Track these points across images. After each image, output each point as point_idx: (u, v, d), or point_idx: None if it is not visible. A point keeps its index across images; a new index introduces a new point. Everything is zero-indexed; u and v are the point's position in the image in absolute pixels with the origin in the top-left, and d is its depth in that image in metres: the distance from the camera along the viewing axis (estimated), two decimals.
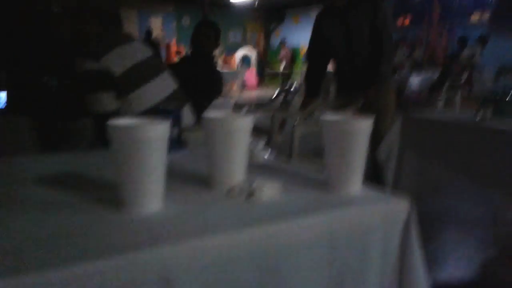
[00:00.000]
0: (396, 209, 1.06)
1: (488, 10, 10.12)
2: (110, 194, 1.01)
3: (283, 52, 14.95)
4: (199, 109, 2.45)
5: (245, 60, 14.77)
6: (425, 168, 2.78)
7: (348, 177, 1.10)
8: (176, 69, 2.34)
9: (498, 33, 9.72)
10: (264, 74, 16.13)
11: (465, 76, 8.54)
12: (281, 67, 15.00)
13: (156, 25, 14.31)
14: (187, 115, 1.92)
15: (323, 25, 2.91)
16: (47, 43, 2.53)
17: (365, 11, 2.73)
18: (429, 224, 2.94)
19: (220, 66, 13.99)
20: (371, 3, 2.73)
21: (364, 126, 1.09)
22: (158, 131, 0.94)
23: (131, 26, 13.67)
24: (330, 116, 1.16)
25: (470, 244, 2.75)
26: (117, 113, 1.70)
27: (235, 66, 14.14)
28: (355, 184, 1.11)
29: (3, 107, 2.28)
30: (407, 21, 11.73)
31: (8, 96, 2.30)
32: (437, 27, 10.98)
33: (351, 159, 1.10)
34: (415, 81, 9.31)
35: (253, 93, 13.43)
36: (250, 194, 1.05)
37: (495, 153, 2.34)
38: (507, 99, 2.69)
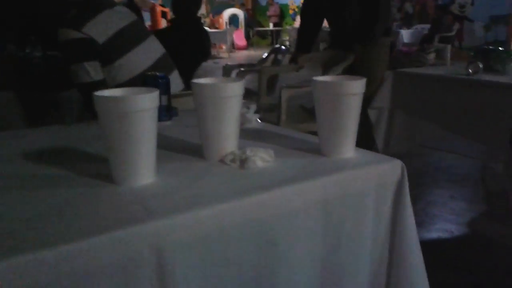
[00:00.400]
0: (389, 171, 1.06)
1: None
2: (101, 167, 1.00)
3: (271, 9, 14.65)
4: (188, 73, 2.42)
5: (233, 19, 14.47)
6: (415, 126, 2.79)
7: (341, 141, 1.09)
8: (163, 35, 2.28)
9: None
10: (253, 33, 15.85)
11: (456, 28, 8.45)
12: (271, 25, 14.73)
13: None
14: (176, 80, 1.89)
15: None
16: (28, 13, 2.44)
17: None
18: (419, 182, 2.98)
19: (207, 26, 13.73)
20: None
21: (357, 87, 1.07)
22: (147, 101, 0.91)
23: None
24: (321, 77, 1.14)
25: (459, 201, 2.80)
26: (103, 82, 1.67)
27: (223, 26, 13.86)
28: (348, 148, 1.11)
29: None
30: None
31: None
32: None
33: (344, 123, 1.08)
34: (406, 34, 9.22)
35: (243, 54, 13.25)
36: (244, 162, 1.04)
37: (485, 107, 2.34)
38: (498, 49, 2.67)
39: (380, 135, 2.84)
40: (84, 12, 1.68)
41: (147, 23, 11.57)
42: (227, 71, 2.94)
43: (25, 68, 2.28)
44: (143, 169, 0.94)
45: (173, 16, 3.04)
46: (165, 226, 0.79)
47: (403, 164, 1.07)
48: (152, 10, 11.76)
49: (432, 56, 6.88)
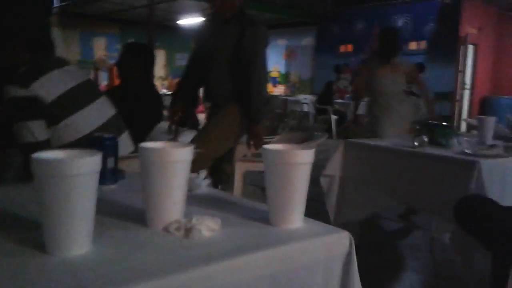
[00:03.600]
0: (337, 243, 1.05)
1: (424, 39, 10.71)
2: (35, 234, 0.92)
3: None
4: (141, 135, 2.37)
5: None
6: (366, 195, 2.83)
7: (289, 211, 1.08)
8: (115, 94, 2.26)
9: (433, 62, 10.29)
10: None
11: None
12: None
13: (100, 46, 13.99)
14: (126, 143, 1.85)
15: (199, 32, 2.96)
16: None
17: (233, 29, 2.65)
18: (370, 252, 2.99)
19: (166, 88, 13.84)
20: (240, 23, 2.65)
21: (306, 157, 1.07)
22: (86, 166, 0.86)
23: (73, 47, 13.29)
24: (271, 145, 1.14)
25: (409, 272, 2.81)
26: (47, 143, 1.60)
27: None
28: (297, 218, 1.09)
29: None
30: (349, 48, 12.18)
31: None
32: None
33: (292, 192, 1.07)
34: (360, 106, 9.61)
35: (201, 116, 13.35)
36: (188, 231, 0.99)
37: (430, 179, 2.42)
38: (441, 125, 2.81)
39: (332, 204, 2.86)
40: (33, 70, 1.64)
41: (104, 82, 11.56)
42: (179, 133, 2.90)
43: None
44: (78, 238, 0.88)
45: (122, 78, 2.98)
46: None
47: (351, 235, 1.06)
48: (110, 70, 11.79)
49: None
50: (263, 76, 2.68)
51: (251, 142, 2.69)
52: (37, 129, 1.58)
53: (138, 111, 2.64)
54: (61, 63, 1.78)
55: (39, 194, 0.86)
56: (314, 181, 2.66)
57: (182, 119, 2.89)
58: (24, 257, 0.86)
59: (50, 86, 1.62)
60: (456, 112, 10.46)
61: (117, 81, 3.06)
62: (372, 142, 2.94)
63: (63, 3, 11.75)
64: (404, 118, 3.88)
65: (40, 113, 1.58)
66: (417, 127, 2.86)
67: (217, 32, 2.70)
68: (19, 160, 1.93)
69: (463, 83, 10.55)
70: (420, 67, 9.65)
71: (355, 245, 1.06)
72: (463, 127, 9.42)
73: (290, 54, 14.49)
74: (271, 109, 2.79)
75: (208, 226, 1.01)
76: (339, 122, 9.05)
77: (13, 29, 1.70)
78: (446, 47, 10.25)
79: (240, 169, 2.65)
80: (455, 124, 9.67)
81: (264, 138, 2.72)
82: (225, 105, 2.71)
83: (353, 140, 2.96)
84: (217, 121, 2.72)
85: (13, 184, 1.49)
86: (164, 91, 11.69)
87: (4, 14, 1.77)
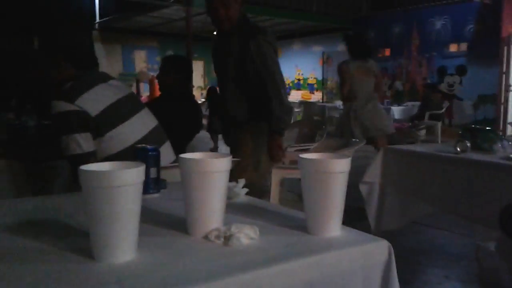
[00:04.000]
0: (375, 252, 1.04)
1: (465, 41, 10.41)
2: (82, 242, 0.97)
3: None
4: (181, 145, 2.44)
5: None
6: (407, 203, 2.78)
7: (327, 219, 1.08)
8: (156, 105, 2.33)
9: (475, 64, 9.98)
10: None
11: (445, 106, 8.70)
12: None
13: (140, 59, 14.40)
14: (167, 153, 1.90)
15: (213, 47, 2.73)
16: (24, 84, 2.51)
17: (235, 44, 2.43)
18: (413, 261, 2.92)
19: (204, 98, 14.05)
20: (242, 35, 2.41)
21: (343, 165, 1.08)
22: (131, 177, 0.91)
23: (115, 60, 13.74)
24: (307, 154, 1.15)
25: (454, 280, 2.73)
26: (93, 154, 1.68)
27: None
28: (335, 226, 1.09)
29: None
30: (387, 52, 12.00)
31: None
32: (416, 58, 11.24)
33: (330, 201, 1.08)
34: (397, 110, 9.46)
35: None
36: (228, 238, 1.02)
37: (473, 185, 2.36)
38: (485, 129, 2.73)
39: (372, 211, 2.83)
40: (78, 85, 1.73)
41: (145, 93, 11.87)
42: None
43: (19, 137, 2.30)
44: (124, 246, 0.92)
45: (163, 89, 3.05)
46: None
47: (390, 244, 1.06)
48: (151, 82, 12.13)
49: (423, 132, 7.02)
50: (282, 88, 2.44)
51: (271, 154, 2.46)
52: (84, 141, 1.66)
53: (178, 122, 2.71)
54: (105, 77, 1.86)
55: (87, 204, 0.91)
56: (355, 188, 2.65)
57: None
58: (73, 263, 0.91)
59: (95, 100, 1.70)
60: (502, 115, 10.09)
61: (158, 93, 3.13)
62: (413, 148, 2.89)
63: (104, 19, 12.17)
64: (372, 119, 4.45)
65: (86, 126, 1.66)
66: (459, 131, 2.79)
67: (221, 48, 2.56)
68: (67, 171, 2.02)
69: (508, 85, 10.18)
70: (462, 70, 9.42)
71: (395, 253, 1.06)
72: (509, 130, 9.08)
73: (326, 60, 14.42)
74: (290, 118, 2.55)
75: (246, 234, 1.03)
76: None
77: (58, 47, 1.79)
78: (488, 49, 9.93)
79: (276, 176, 2.65)
80: (500, 127, 9.32)
81: (284, 150, 2.51)
82: (247, 127, 2.50)
83: (393, 146, 2.92)
84: (245, 147, 2.48)
85: (62, 194, 1.56)
86: (203, 100, 11.89)
87: (49, 32, 1.87)
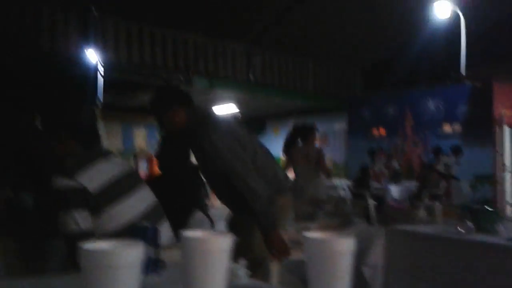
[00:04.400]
0: None
1: (458, 121, 10.68)
2: None
3: None
4: (180, 225, 2.38)
5: None
6: (412, 286, 2.68)
7: None
8: (155, 183, 2.32)
9: (470, 144, 10.16)
10: None
11: (443, 186, 8.71)
12: None
13: (140, 136, 14.61)
14: (166, 232, 1.86)
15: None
16: (24, 160, 2.52)
17: (196, 142, 2.26)
18: None
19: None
20: (190, 132, 2.25)
21: (348, 245, 1.05)
22: (131, 256, 0.88)
23: (115, 137, 13.93)
24: (310, 233, 1.11)
25: None
26: (91, 233, 1.64)
27: None
28: None
29: None
30: (382, 132, 12.24)
31: None
32: (411, 137, 11.45)
33: (337, 282, 1.03)
34: (394, 190, 9.45)
35: None
36: None
37: (482, 267, 2.29)
38: (487, 209, 2.70)
39: None
40: (78, 161, 1.73)
41: (144, 172, 11.89)
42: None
43: (15, 214, 2.26)
44: None
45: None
46: None
47: None
48: (150, 160, 12.21)
49: (422, 213, 6.94)
50: (248, 177, 2.15)
51: (273, 252, 2.19)
52: (81, 218, 1.62)
53: (178, 201, 2.68)
54: (106, 154, 1.87)
55: (86, 284, 0.86)
56: (357, 271, 2.56)
57: None
58: None
59: (95, 177, 1.69)
60: (499, 195, 10.08)
61: (156, 170, 3.12)
62: (416, 229, 2.84)
63: (105, 98, 12.51)
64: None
65: (84, 203, 1.63)
66: (459, 212, 2.77)
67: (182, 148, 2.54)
68: (62, 250, 1.96)
69: (503, 165, 10.28)
70: (457, 150, 9.55)
71: None
72: (509, 210, 9.02)
73: (323, 139, 14.65)
74: (276, 207, 2.22)
75: None
76: (377, 207, 8.83)
77: (63, 123, 1.82)
78: (481, 129, 10.16)
79: (275, 267, 2.54)
80: (498, 207, 9.26)
81: (285, 244, 2.21)
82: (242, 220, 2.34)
83: (395, 227, 2.87)
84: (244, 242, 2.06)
85: (56, 274, 1.50)
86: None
87: (55, 110, 1.91)
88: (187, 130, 2.26)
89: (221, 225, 2.83)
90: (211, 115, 2.35)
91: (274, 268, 2.64)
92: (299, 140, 5.47)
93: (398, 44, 10.93)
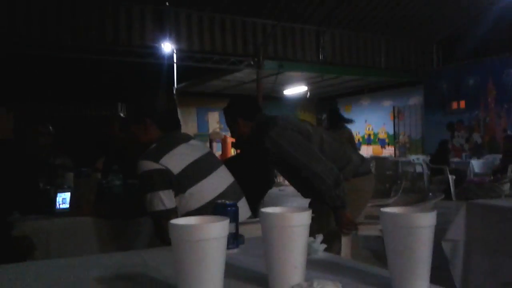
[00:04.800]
0: None
1: None
2: None
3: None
4: (254, 201, 2.47)
5: None
6: (497, 262, 2.57)
7: (414, 278, 1.04)
8: (231, 163, 2.41)
9: None
10: None
11: None
12: None
13: (213, 119, 15.03)
14: (243, 208, 1.94)
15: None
16: (112, 147, 2.71)
17: (261, 144, 2.45)
18: None
19: None
20: (261, 135, 2.44)
21: (429, 219, 1.04)
22: (218, 230, 0.95)
23: (191, 122, 14.44)
24: (389, 208, 1.12)
25: None
26: (175, 211, 1.75)
27: None
28: (422, 285, 1.04)
29: (68, 207, 2.41)
30: (462, 105, 11.59)
31: (73, 197, 2.44)
32: (494, 109, 10.76)
33: (416, 257, 1.04)
34: (476, 164, 8.99)
35: None
36: None
37: None
38: None
39: (457, 272, 2.64)
40: (163, 146, 1.85)
41: (218, 152, 12.26)
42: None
43: (105, 195, 2.46)
44: None
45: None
46: None
47: None
48: (223, 141, 12.57)
49: (506, 187, 6.57)
50: (312, 164, 2.35)
51: (341, 228, 2.43)
52: (167, 198, 1.74)
53: (253, 179, 2.77)
54: (186, 138, 1.99)
55: (176, 257, 0.95)
56: (437, 246, 2.51)
57: None
58: None
59: (177, 159, 1.81)
60: None
61: (230, 151, 3.29)
62: (500, 203, 2.71)
63: (181, 85, 12.97)
64: None
65: (169, 184, 1.75)
66: None
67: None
68: (150, 228, 2.11)
69: None
70: None
71: None
72: None
73: (397, 115, 14.18)
74: (343, 187, 2.38)
75: None
76: (457, 182, 8.46)
77: (147, 111, 1.96)
78: None
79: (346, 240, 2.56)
80: None
81: (355, 222, 2.45)
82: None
83: (476, 201, 2.75)
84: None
85: (146, 249, 1.63)
86: None
87: (140, 99, 2.05)
88: (251, 137, 2.55)
89: (295, 202, 2.91)
90: (270, 119, 2.56)
91: (348, 242, 2.65)
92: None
93: (475, 12, 10.20)
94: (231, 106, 2.67)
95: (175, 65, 11.14)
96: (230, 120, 2.62)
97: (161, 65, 10.28)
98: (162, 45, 9.15)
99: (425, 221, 1.04)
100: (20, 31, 7.74)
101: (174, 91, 12.09)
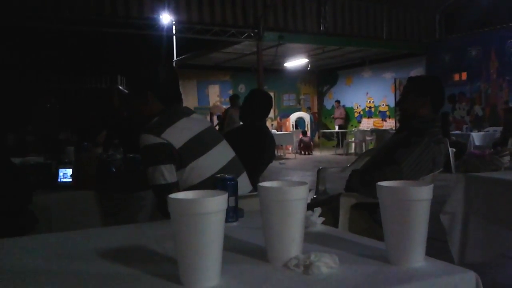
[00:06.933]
0: (462, 283, 1.00)
1: None
2: (169, 268, 1.03)
3: (337, 111, 15.02)
4: (254, 175, 2.49)
5: (300, 122, 14.95)
6: (493, 234, 2.60)
7: (409, 249, 1.06)
8: (232, 137, 2.41)
9: None
10: (319, 135, 16.20)
11: None
12: (336, 127, 15.01)
13: (214, 93, 14.97)
14: (244, 182, 1.95)
15: None
16: (113, 120, 2.70)
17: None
18: None
19: (275, 129, 14.24)
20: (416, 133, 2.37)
21: (425, 193, 1.06)
22: (217, 204, 0.96)
23: (191, 95, 14.38)
24: (386, 182, 1.13)
25: None
26: (176, 185, 1.76)
27: (290, 129, 14.32)
28: (418, 256, 1.06)
29: (70, 182, 2.43)
30: (463, 76, 11.51)
31: (74, 171, 2.45)
32: (496, 81, 10.68)
33: (413, 230, 1.06)
34: (477, 136, 8.99)
35: (309, 156, 13.44)
36: (308, 267, 1.02)
37: None
38: None
39: (455, 243, 2.68)
40: (165, 120, 1.84)
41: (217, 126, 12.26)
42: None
43: (106, 169, 2.47)
44: (210, 271, 0.96)
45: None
46: None
47: (478, 276, 1.01)
48: (224, 115, 12.54)
49: (506, 159, 6.57)
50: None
51: None
52: (168, 172, 1.75)
53: (254, 153, 2.79)
54: (188, 112, 1.97)
55: (175, 231, 0.96)
56: (435, 218, 2.53)
57: None
58: None
59: (179, 134, 1.80)
60: None
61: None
62: (499, 176, 2.73)
63: (180, 57, 12.86)
64: None
65: (170, 158, 1.76)
66: None
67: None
68: (151, 202, 2.14)
69: None
70: None
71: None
72: None
73: (398, 87, 14.10)
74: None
75: (326, 263, 1.03)
76: (457, 155, 8.48)
77: (149, 84, 1.92)
78: None
79: (346, 202, 2.52)
80: None
81: None
82: None
83: (476, 174, 2.77)
84: None
85: (147, 222, 1.65)
86: (274, 131, 12.04)
87: (140, 72, 2.00)
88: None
89: (295, 175, 2.92)
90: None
91: (344, 213, 2.66)
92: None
93: None
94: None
95: (174, 37, 11.02)
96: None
97: (160, 37, 10.16)
98: (161, 16, 9.02)
99: (421, 194, 1.05)
100: (17, 3, 7.63)
101: (174, 64, 12.01)
